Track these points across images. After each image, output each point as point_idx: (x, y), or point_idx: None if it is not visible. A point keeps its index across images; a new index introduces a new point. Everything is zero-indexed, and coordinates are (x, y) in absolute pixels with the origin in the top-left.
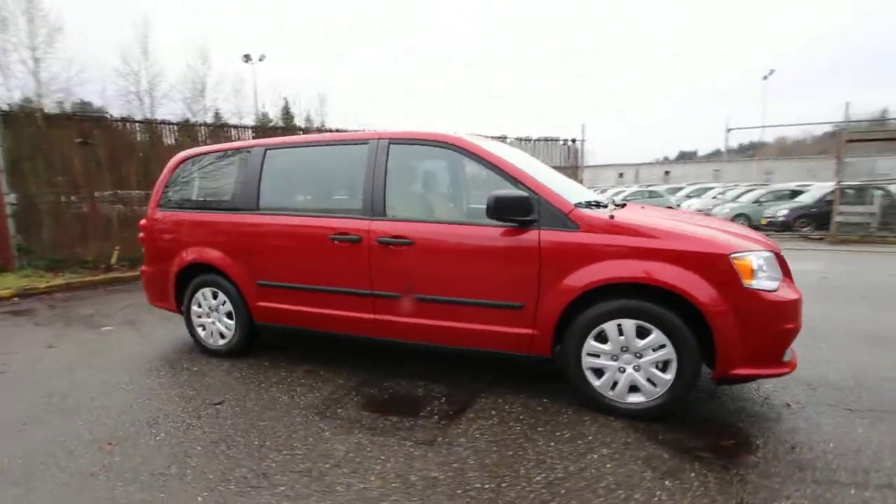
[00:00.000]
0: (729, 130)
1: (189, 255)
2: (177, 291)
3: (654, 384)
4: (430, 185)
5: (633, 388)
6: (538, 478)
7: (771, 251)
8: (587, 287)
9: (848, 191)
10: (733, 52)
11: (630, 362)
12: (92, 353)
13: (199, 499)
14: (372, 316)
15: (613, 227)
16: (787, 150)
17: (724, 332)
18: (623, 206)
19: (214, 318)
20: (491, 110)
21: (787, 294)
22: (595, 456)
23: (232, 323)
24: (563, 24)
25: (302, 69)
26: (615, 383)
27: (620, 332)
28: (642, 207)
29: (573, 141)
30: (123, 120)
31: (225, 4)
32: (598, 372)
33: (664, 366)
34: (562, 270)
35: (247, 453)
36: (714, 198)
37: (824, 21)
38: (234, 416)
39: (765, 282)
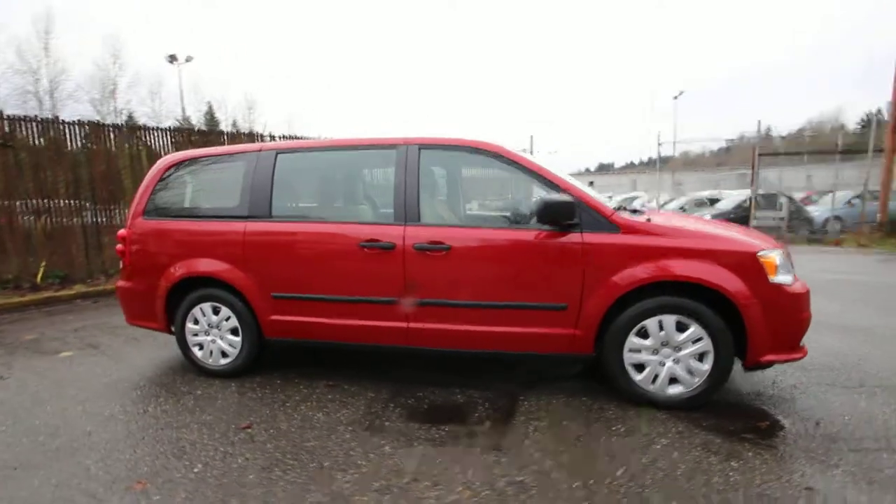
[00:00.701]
0: (660, 144)
1: (184, 267)
2: (167, 308)
3: (692, 375)
4: (462, 190)
5: (673, 381)
6: (618, 472)
7: (783, 249)
8: (631, 286)
9: (759, 198)
10: (653, 72)
11: (669, 356)
12: (58, 382)
13: None
14: (406, 325)
15: (651, 230)
16: (690, 162)
17: (755, 323)
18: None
19: (214, 335)
20: (428, 119)
21: (801, 287)
22: (658, 447)
23: (237, 340)
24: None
25: (232, 72)
26: (656, 377)
27: (661, 328)
28: (660, 213)
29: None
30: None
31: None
32: (639, 367)
33: (701, 357)
34: (606, 271)
35: (309, 476)
36: (643, 205)
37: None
38: (273, 438)
39: (785, 276)
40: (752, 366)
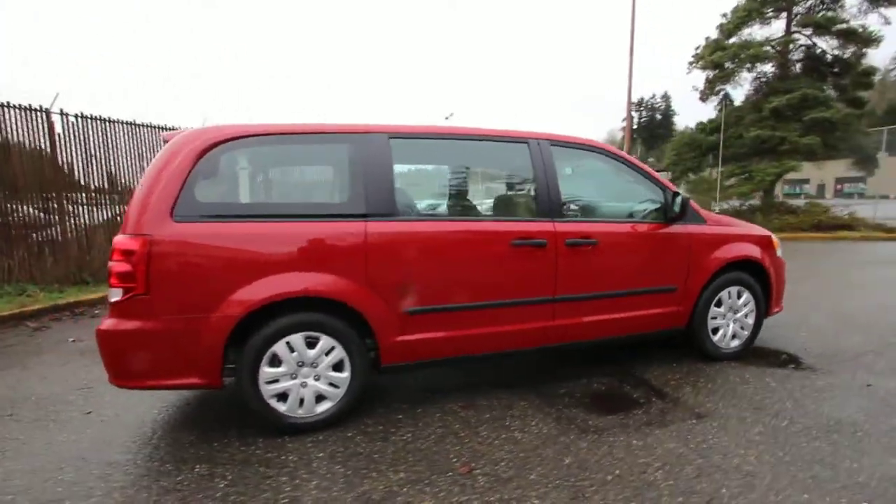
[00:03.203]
0: None
1: (266, 288)
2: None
3: (744, 329)
4: (589, 186)
5: (733, 336)
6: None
7: None
8: (718, 266)
9: None
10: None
11: (732, 318)
12: (50, 452)
13: None
14: (551, 323)
15: (720, 221)
16: None
17: (773, 284)
18: None
19: (306, 376)
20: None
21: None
22: (777, 384)
23: (343, 377)
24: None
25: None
26: (722, 333)
27: (729, 296)
28: None
29: None
30: None
31: None
32: (715, 330)
33: (747, 315)
34: (702, 255)
35: (616, 481)
36: None
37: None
38: (493, 476)
39: (780, 251)
40: (767, 315)
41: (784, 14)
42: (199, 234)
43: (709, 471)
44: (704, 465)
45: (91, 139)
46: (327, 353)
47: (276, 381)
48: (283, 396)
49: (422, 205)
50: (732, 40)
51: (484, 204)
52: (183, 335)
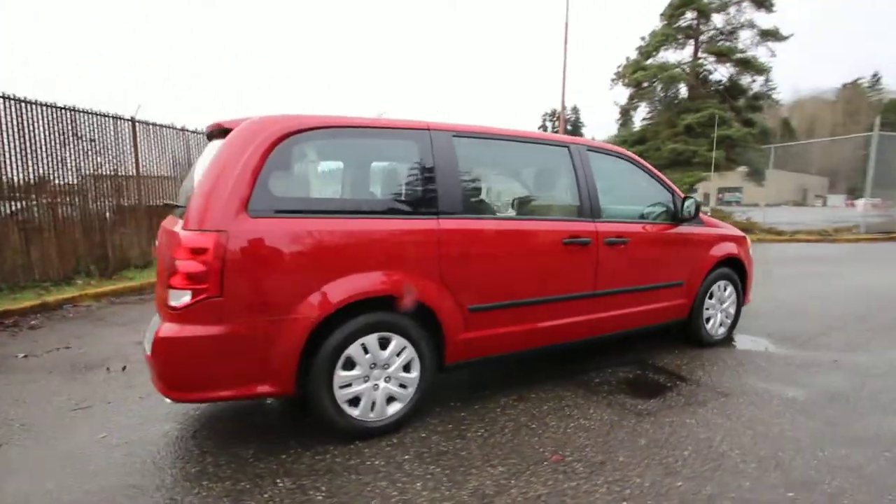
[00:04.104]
0: None
1: (346, 287)
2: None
3: (728, 318)
4: (616, 189)
5: (721, 324)
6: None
7: None
8: (715, 262)
9: None
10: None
11: (718, 307)
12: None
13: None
14: (592, 317)
15: (711, 223)
16: None
17: (749, 279)
18: None
19: (377, 377)
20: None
21: None
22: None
23: (412, 377)
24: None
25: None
26: (713, 322)
27: (719, 289)
28: None
29: None
30: None
31: None
32: (708, 319)
33: (730, 306)
34: (702, 253)
35: (699, 458)
36: None
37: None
38: (586, 462)
39: (751, 249)
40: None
41: (692, 41)
42: (276, 231)
43: (761, 438)
44: (756, 434)
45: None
46: (398, 354)
47: (349, 385)
48: (354, 401)
49: (491, 203)
50: (650, 62)
51: (533, 204)
52: (257, 340)
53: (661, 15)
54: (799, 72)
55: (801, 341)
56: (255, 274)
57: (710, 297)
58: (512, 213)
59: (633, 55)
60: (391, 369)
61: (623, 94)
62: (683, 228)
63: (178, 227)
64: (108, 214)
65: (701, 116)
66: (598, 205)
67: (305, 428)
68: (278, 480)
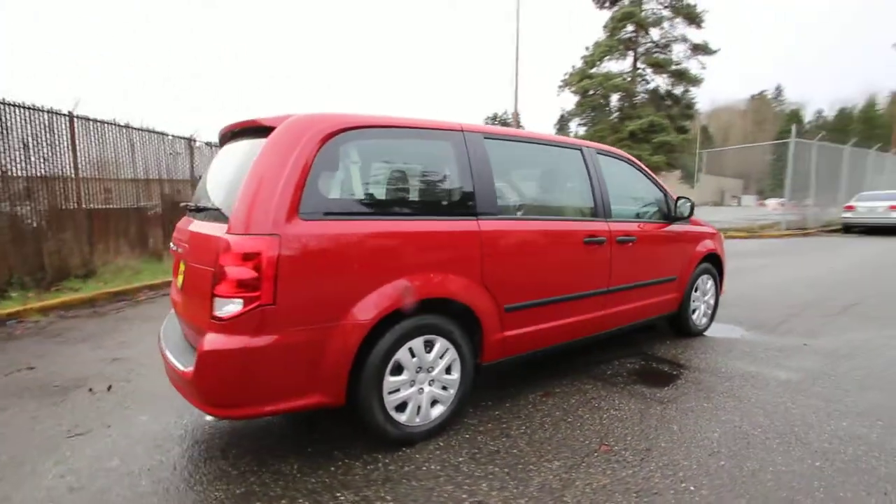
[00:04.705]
0: None
1: (397, 292)
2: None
3: (709, 308)
4: (619, 190)
5: (703, 315)
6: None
7: None
8: (701, 257)
9: None
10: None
11: (701, 298)
12: None
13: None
14: (605, 312)
15: (694, 221)
16: None
17: (724, 271)
18: None
19: (421, 381)
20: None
21: None
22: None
23: (454, 378)
24: None
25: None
26: (698, 314)
27: (703, 283)
28: None
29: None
30: None
31: None
32: (694, 311)
33: (711, 298)
34: (691, 248)
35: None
36: None
37: None
38: (633, 450)
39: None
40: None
41: (632, 52)
42: (330, 234)
43: (774, 417)
44: (767, 413)
45: None
46: (441, 356)
47: (396, 390)
48: (400, 406)
49: (523, 204)
50: (594, 70)
51: (555, 205)
52: (309, 349)
53: (604, 27)
54: (714, 83)
55: (769, 328)
56: (309, 279)
57: (696, 290)
58: (537, 214)
59: (579, 64)
60: (435, 372)
61: (569, 99)
62: (676, 227)
63: (217, 230)
64: (39, 221)
65: (643, 123)
66: (609, 205)
67: (338, 437)
68: (338, 494)
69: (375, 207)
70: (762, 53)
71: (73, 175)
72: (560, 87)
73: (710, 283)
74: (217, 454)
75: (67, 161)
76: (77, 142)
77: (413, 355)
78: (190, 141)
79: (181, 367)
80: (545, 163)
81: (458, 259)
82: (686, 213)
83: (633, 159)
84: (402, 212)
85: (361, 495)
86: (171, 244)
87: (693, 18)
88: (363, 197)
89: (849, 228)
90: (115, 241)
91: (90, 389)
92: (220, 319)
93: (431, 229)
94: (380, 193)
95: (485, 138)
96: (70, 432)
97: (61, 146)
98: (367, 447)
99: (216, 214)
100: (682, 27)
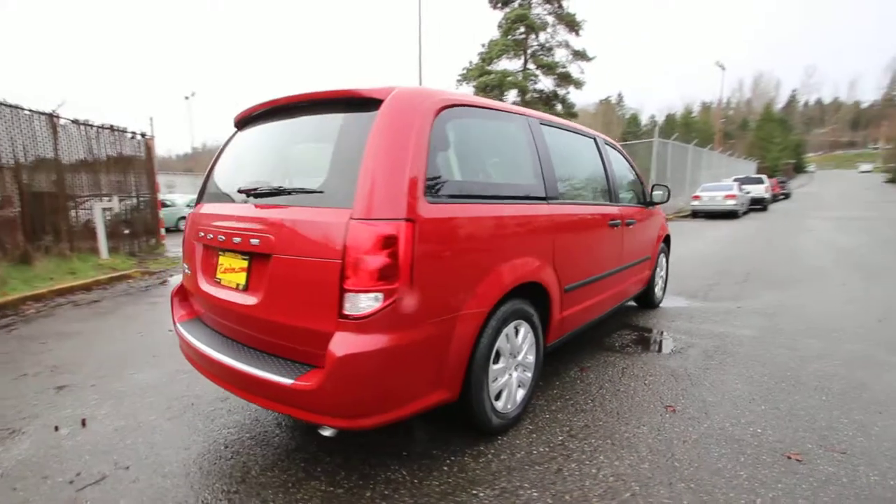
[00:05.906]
0: None
1: (507, 276)
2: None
3: (663, 280)
4: (618, 176)
5: (662, 288)
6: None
7: None
8: (662, 238)
9: None
10: None
11: (660, 276)
12: None
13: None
14: (618, 289)
15: (656, 207)
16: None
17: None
18: None
19: (510, 366)
20: None
21: None
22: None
23: (531, 361)
24: None
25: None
26: (658, 287)
27: (662, 260)
28: None
29: (143, 135)
30: None
31: None
32: (656, 286)
33: (664, 272)
34: (657, 230)
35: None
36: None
37: None
38: (691, 405)
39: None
40: None
41: (523, 52)
42: (456, 218)
43: (770, 366)
44: (763, 363)
45: None
46: (526, 338)
47: (495, 378)
48: (497, 395)
49: (570, 189)
50: (492, 67)
51: (586, 189)
52: (439, 342)
53: (499, 27)
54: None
55: (702, 297)
56: (442, 267)
57: (660, 268)
58: (575, 198)
59: (475, 59)
60: (520, 357)
61: (469, 93)
62: (652, 210)
63: (327, 216)
64: None
65: None
66: (616, 191)
67: (410, 438)
68: (474, 491)
69: (484, 190)
70: (612, 63)
71: None
72: (458, 81)
73: (664, 260)
74: (305, 474)
75: None
76: None
77: (507, 341)
78: (52, 117)
79: (282, 381)
80: (576, 150)
81: (540, 242)
82: (664, 200)
83: (622, 149)
84: (502, 195)
85: (499, 488)
86: (197, 234)
87: (573, 26)
88: (475, 179)
89: (696, 214)
90: None
91: (56, 428)
92: (355, 318)
93: (527, 213)
94: (485, 176)
95: (541, 124)
96: (77, 484)
97: None
98: (462, 443)
99: (313, 198)
100: (563, 33)
